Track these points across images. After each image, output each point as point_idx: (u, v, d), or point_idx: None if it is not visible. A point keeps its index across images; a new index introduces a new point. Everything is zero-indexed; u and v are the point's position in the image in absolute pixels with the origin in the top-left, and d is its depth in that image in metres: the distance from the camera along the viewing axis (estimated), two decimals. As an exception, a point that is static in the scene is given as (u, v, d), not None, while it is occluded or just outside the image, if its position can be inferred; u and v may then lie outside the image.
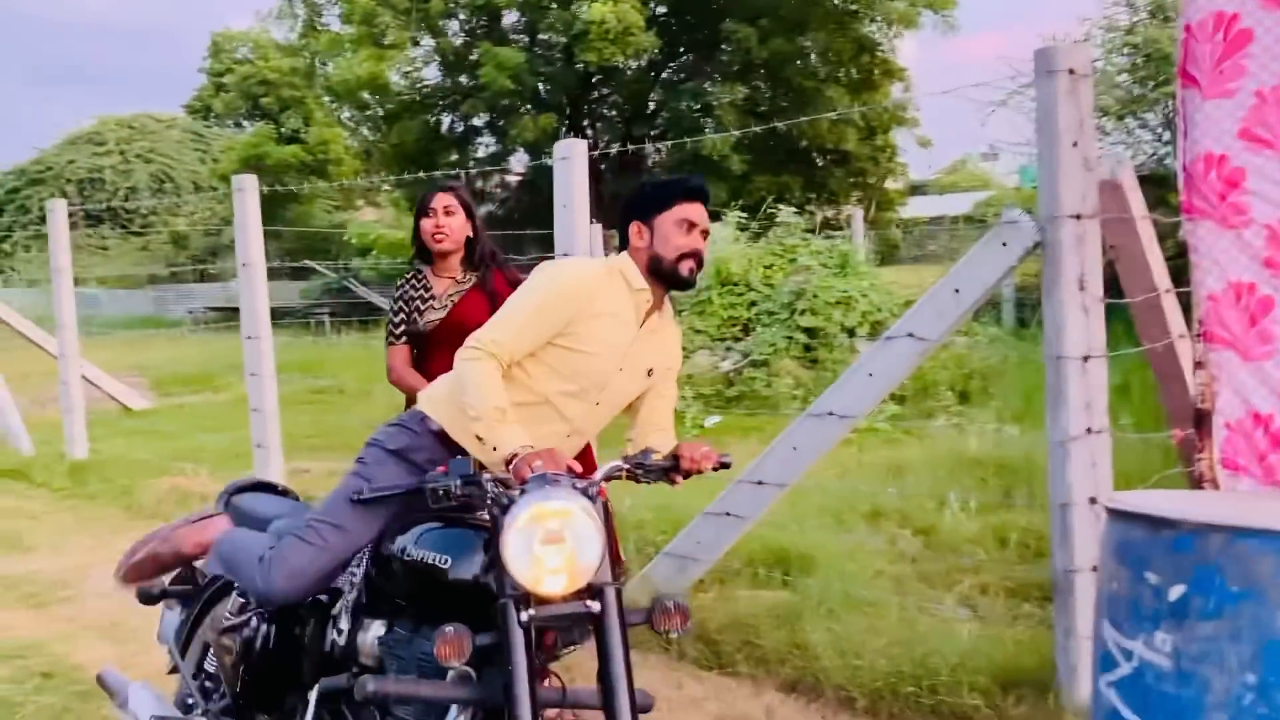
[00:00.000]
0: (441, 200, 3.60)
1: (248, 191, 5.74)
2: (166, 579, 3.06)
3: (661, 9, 19.79)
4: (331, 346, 14.53)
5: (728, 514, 3.87)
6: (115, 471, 7.06)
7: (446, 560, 2.19)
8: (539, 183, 18.09)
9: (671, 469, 2.41)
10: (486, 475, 2.18)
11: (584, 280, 2.46)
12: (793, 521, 4.69)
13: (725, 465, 2.44)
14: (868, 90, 19.64)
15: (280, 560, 2.46)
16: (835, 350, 8.88)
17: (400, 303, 3.66)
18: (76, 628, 4.32)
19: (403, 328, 3.64)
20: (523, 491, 2.08)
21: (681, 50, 20.90)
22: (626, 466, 2.34)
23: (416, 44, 20.44)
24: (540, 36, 19.52)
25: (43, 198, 31.25)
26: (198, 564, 3.11)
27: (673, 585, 4.00)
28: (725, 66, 19.57)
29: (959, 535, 4.75)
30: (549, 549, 1.99)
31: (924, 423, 7.40)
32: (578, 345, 2.43)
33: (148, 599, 3.00)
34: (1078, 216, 3.04)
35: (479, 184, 23.76)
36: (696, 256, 2.46)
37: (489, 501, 2.13)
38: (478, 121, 21.73)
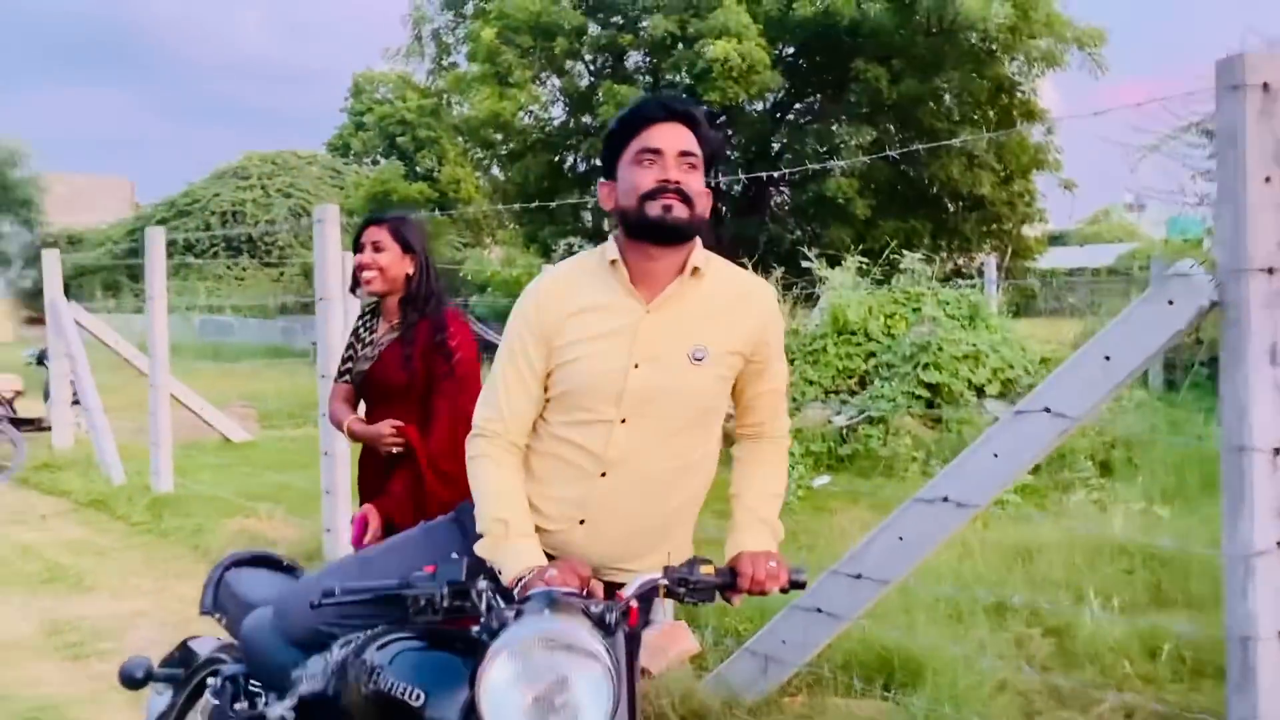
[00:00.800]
0: (370, 235, 3.12)
1: (327, 223, 5.46)
2: (155, 659, 2.67)
3: (788, 49, 19.32)
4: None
5: (819, 610, 3.29)
6: (194, 507, 6.86)
7: (419, 696, 1.70)
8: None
9: (726, 586, 1.85)
10: (482, 584, 1.69)
11: (551, 283, 1.96)
12: (900, 612, 4.05)
13: (798, 586, 1.89)
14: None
15: (283, 612, 2.17)
16: (961, 409, 8.14)
17: (351, 337, 3.29)
18: (105, 687, 3.98)
19: (345, 368, 3.29)
20: (517, 614, 1.58)
21: (808, 91, 20.36)
22: (664, 582, 1.80)
23: (540, 83, 20.47)
24: (664, 77, 19.28)
25: (189, 229, 32.72)
26: (193, 643, 2.73)
27: (753, 688, 3.43)
28: (854, 108, 18.93)
29: (1099, 641, 4.01)
30: (541, 699, 1.49)
31: (1059, 496, 6.60)
32: (563, 358, 1.90)
33: (131, 682, 2.60)
34: (1270, 270, 2.40)
35: (605, 225, 23.60)
36: (673, 191, 1.83)
37: (480, 621, 1.65)
38: (600, 162, 21.60)
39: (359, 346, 3.21)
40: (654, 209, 1.84)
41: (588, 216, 21.99)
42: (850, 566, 3.21)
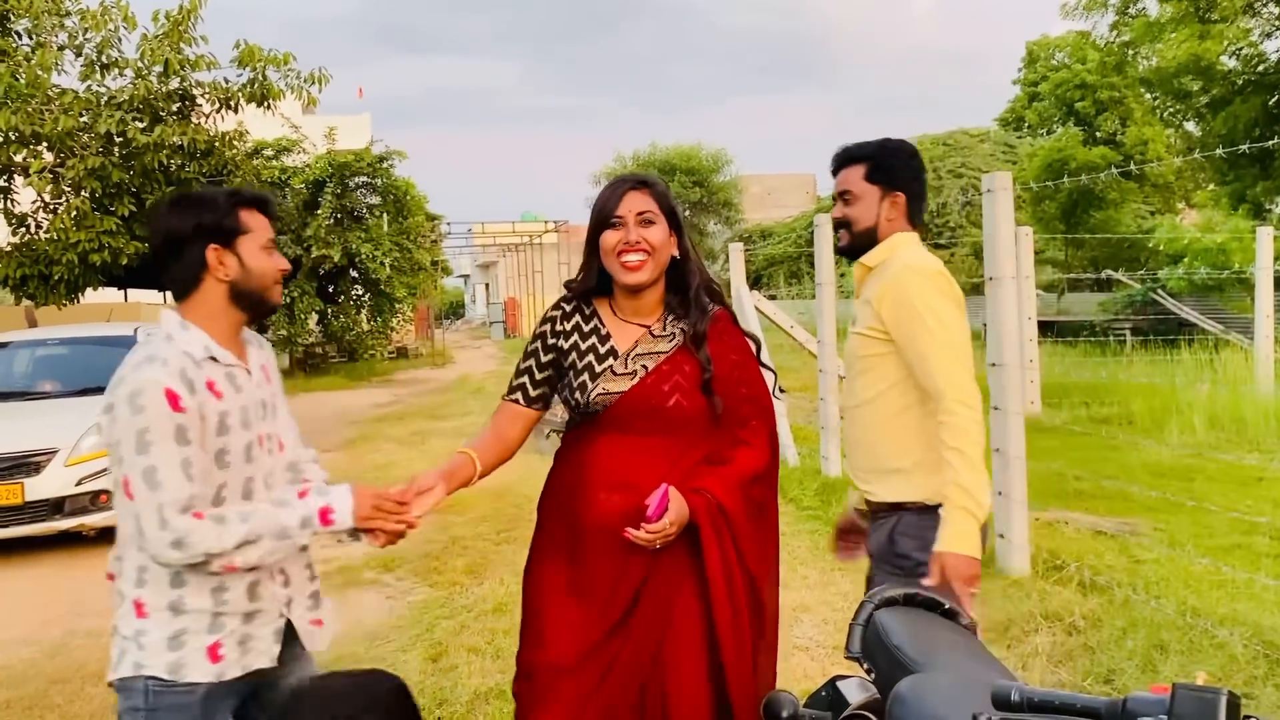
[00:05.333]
0: (634, 202, 2.24)
1: (998, 193, 4.85)
2: (800, 698, 2.36)
3: None
4: (1126, 366, 12.85)
5: None
6: (862, 496, 6.72)
7: None
8: None
9: None
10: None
11: None
12: None
13: None
14: None
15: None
16: None
17: (545, 348, 2.34)
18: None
19: (542, 388, 2.37)
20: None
21: None
22: None
23: (1253, 13, 17.36)
24: None
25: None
26: (842, 685, 2.36)
27: None
28: None
29: None
30: None
31: None
32: None
33: (774, 719, 2.31)
34: None
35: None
36: None
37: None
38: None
39: (581, 357, 2.29)
40: None
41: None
42: None
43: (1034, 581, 4.71)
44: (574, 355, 2.29)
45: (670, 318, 2.29)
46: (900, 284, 2.43)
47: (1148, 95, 22.70)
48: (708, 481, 2.22)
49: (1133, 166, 18.74)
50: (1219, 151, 8.65)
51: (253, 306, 2.12)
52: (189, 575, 2.00)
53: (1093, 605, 4.38)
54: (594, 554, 2.24)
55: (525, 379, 2.37)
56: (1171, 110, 21.79)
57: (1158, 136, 26.71)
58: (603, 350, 2.27)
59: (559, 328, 2.33)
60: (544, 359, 2.34)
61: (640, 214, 2.23)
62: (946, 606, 2.19)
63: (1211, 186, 21.68)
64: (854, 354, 2.58)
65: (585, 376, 2.26)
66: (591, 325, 2.30)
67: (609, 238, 2.24)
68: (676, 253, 2.29)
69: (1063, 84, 34.82)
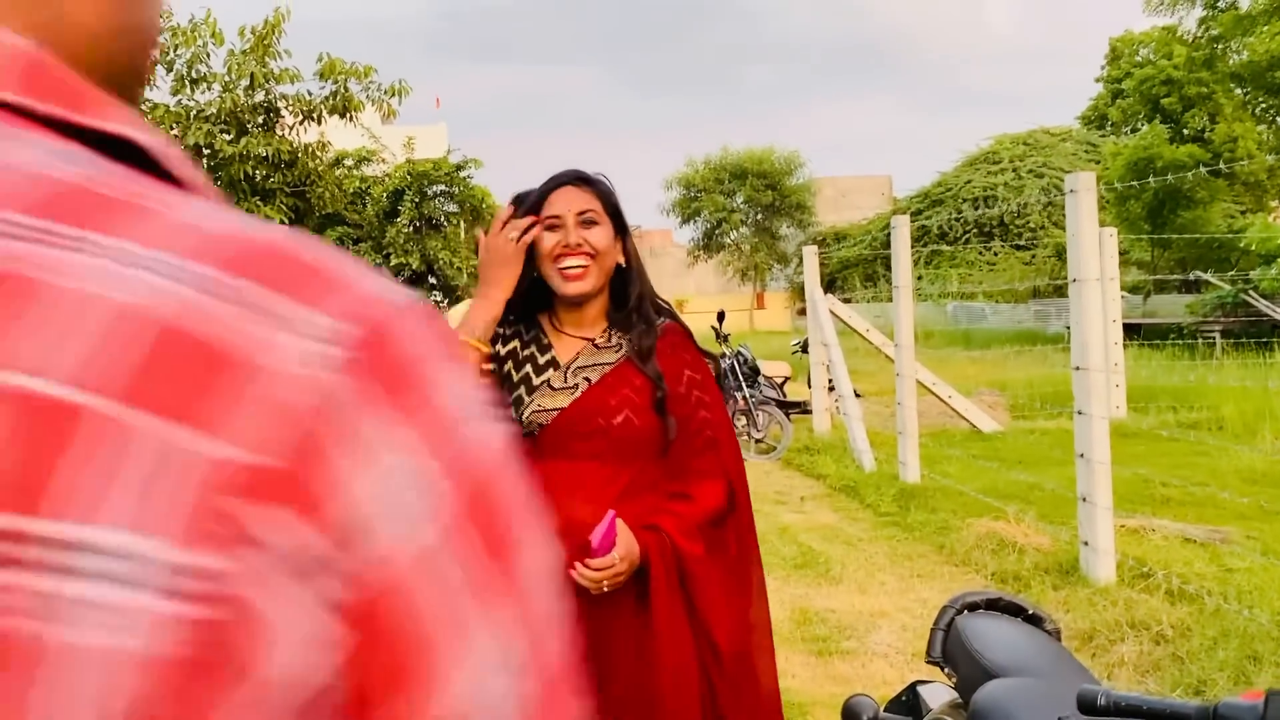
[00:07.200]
0: (572, 199, 1.95)
1: (1081, 193, 4.74)
2: (879, 703, 2.35)
3: None
4: (1216, 369, 12.45)
5: None
6: (940, 501, 6.63)
7: None
8: None
9: None
10: None
11: None
12: None
13: None
14: None
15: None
16: None
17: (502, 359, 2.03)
18: (846, 690, 3.85)
19: None
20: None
21: None
22: None
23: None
24: None
25: (941, 217, 33.58)
26: (922, 690, 2.35)
27: None
28: None
29: None
30: None
31: None
32: None
33: (854, 722, 2.31)
34: None
35: None
36: None
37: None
38: None
39: (520, 373, 1.99)
40: None
41: None
42: None
43: (1119, 589, 4.60)
44: (510, 365, 2.00)
45: (615, 330, 2.00)
46: None
47: (1238, 90, 21.94)
48: (662, 519, 1.90)
49: (1222, 164, 18.16)
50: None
51: None
52: None
53: (1181, 614, 4.27)
54: None
55: None
56: (1264, 106, 21.09)
57: (1248, 133, 25.81)
58: (542, 361, 1.99)
59: (498, 331, 2.00)
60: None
61: (581, 213, 1.94)
62: (1030, 612, 2.17)
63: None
64: None
65: (521, 390, 1.96)
66: (532, 334, 2.03)
67: (545, 240, 1.94)
68: (622, 259, 2.00)
69: (1148, 80, 33.88)
